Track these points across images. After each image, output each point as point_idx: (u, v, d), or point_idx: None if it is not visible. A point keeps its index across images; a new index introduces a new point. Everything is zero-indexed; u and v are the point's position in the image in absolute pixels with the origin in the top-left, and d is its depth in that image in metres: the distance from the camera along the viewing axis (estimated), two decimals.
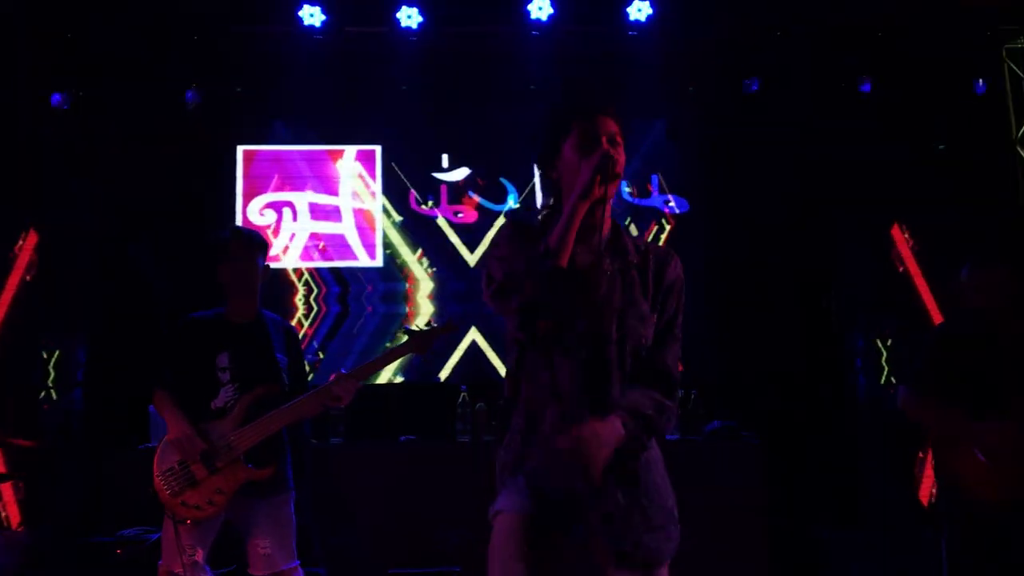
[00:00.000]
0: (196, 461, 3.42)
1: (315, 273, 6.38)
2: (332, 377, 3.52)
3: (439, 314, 6.34)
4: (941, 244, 5.94)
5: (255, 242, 3.71)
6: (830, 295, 6.30)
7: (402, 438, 5.33)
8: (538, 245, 2.17)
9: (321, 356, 6.24)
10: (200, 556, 3.44)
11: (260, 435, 3.47)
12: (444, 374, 6.28)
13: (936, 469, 3.53)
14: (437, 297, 6.40)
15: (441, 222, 6.46)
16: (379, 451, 5.23)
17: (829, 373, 6.19)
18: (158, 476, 3.45)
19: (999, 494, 3.32)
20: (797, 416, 5.92)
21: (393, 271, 6.40)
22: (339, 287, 6.38)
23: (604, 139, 2.25)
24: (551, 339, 2.21)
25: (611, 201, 2.31)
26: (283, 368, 3.66)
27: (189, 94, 5.95)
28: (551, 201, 2.36)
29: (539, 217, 2.39)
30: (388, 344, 6.27)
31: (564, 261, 2.14)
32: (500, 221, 6.46)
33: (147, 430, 5.07)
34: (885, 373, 5.98)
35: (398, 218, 6.45)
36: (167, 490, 3.42)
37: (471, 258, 6.45)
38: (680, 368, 2.47)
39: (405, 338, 3.62)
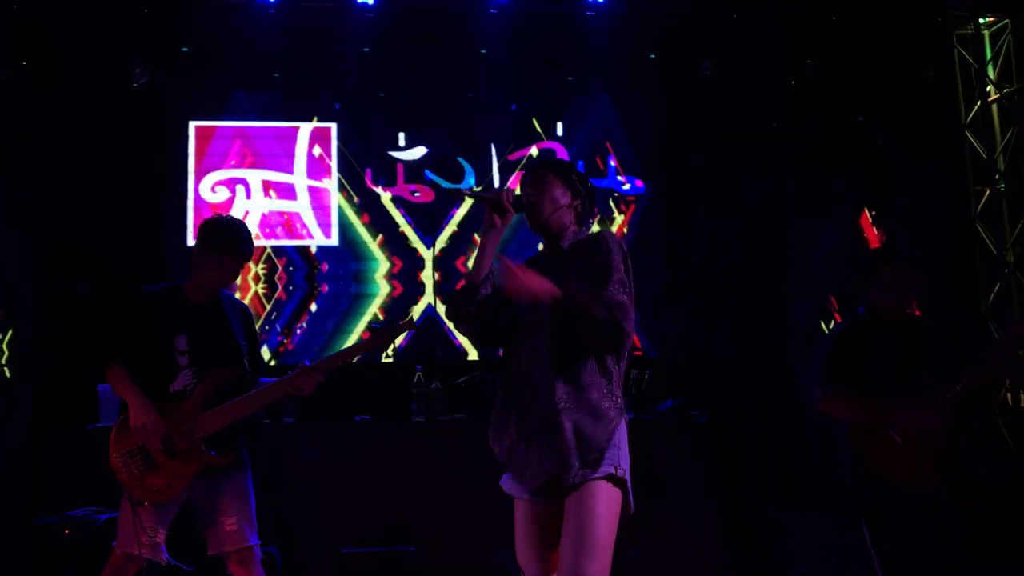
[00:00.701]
0: (156, 444, 3.34)
1: (278, 251, 6.32)
2: (297, 368, 3.49)
3: (395, 295, 6.32)
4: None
5: (248, 255, 3.62)
6: (782, 278, 6.40)
7: (357, 418, 5.32)
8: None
9: (284, 341, 6.20)
10: (161, 536, 3.40)
11: (223, 422, 3.43)
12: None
13: (854, 459, 3.67)
14: (391, 276, 6.37)
15: (386, 200, 6.43)
16: (333, 431, 5.22)
17: (779, 354, 6.29)
18: (116, 457, 3.38)
19: (917, 474, 3.52)
20: (747, 396, 6.03)
21: (350, 250, 6.36)
22: (306, 265, 6.33)
23: (531, 182, 2.94)
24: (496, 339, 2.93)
25: (562, 225, 2.93)
26: (243, 353, 3.60)
27: (137, 69, 5.84)
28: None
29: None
30: (350, 333, 6.26)
31: (478, 279, 2.84)
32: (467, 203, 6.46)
33: (96, 410, 5.00)
34: None
35: (355, 197, 6.41)
36: (125, 472, 3.37)
37: (423, 238, 6.43)
38: (638, 344, 2.83)
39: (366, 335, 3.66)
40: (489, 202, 2.82)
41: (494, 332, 2.89)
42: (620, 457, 2.73)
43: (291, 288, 6.29)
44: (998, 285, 6.01)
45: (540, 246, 3.09)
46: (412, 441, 5.10)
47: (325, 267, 6.34)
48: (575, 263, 2.82)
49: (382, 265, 6.38)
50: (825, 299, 6.34)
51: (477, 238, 3.14)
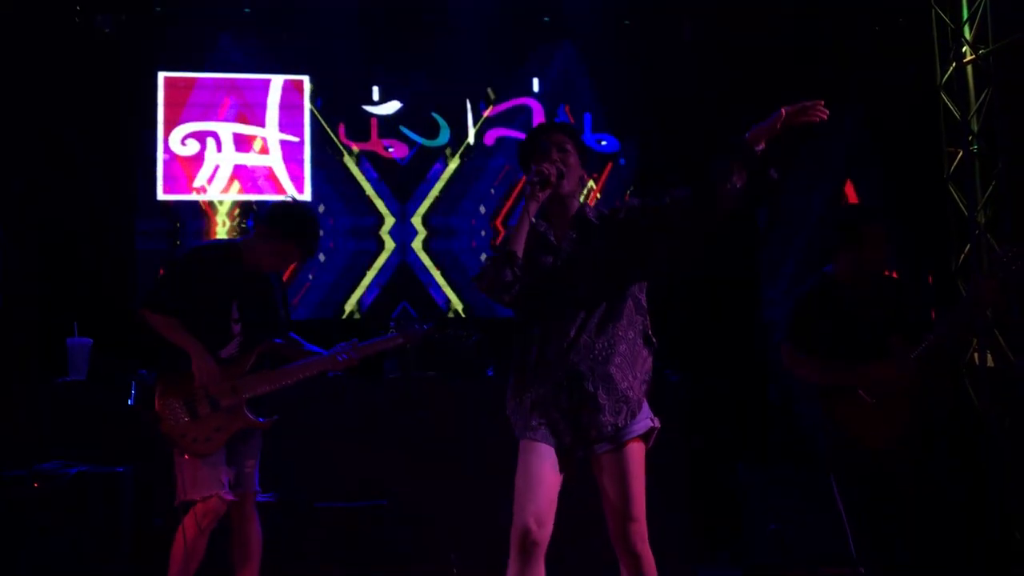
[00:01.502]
0: (203, 397, 3.45)
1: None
2: (348, 345, 3.64)
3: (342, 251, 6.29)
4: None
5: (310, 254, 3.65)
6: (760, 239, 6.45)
7: (330, 374, 5.28)
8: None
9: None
10: (232, 475, 3.55)
11: (269, 387, 3.57)
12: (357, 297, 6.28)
13: (823, 419, 3.70)
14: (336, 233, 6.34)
15: (353, 160, 6.37)
16: (306, 387, 5.15)
17: (750, 312, 6.34)
18: (162, 404, 3.47)
19: (886, 432, 3.56)
20: (720, 354, 6.07)
21: (343, 205, 6.31)
22: None
23: (553, 149, 2.88)
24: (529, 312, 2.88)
25: (573, 193, 2.95)
26: (282, 322, 3.70)
27: (100, 17, 5.69)
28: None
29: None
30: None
31: (518, 249, 2.78)
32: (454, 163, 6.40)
33: (64, 363, 4.93)
34: None
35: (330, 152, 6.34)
36: (171, 420, 3.45)
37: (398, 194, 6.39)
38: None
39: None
40: (540, 183, 2.81)
41: (528, 298, 2.87)
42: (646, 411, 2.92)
43: None
44: (968, 246, 6.05)
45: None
46: (386, 397, 5.09)
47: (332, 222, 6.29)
48: (615, 232, 2.90)
49: (386, 221, 6.34)
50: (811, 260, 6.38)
51: None
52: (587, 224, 2.93)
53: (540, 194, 2.81)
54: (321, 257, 6.24)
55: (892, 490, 3.60)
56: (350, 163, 6.34)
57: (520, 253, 2.78)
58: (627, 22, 6.41)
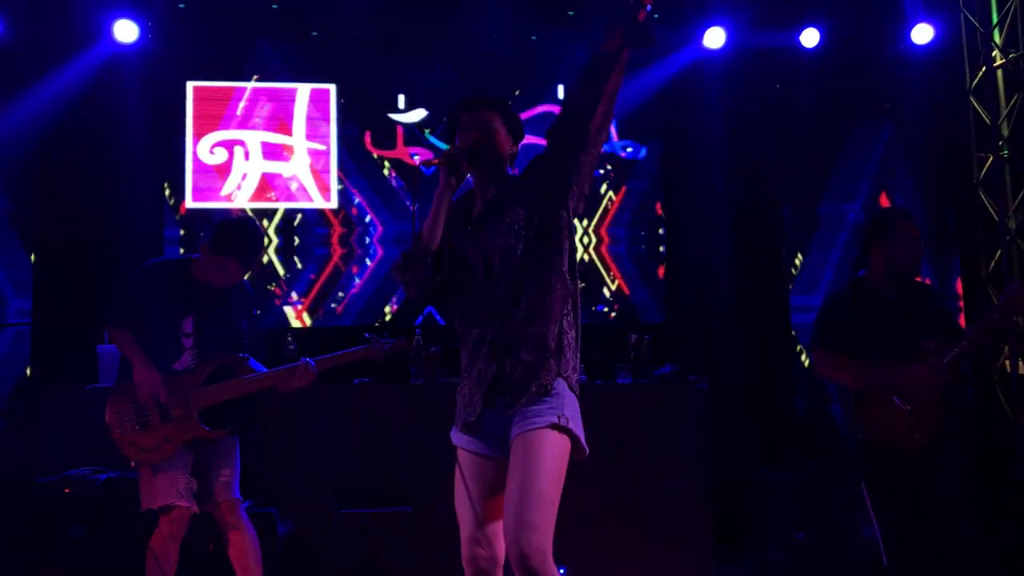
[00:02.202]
0: (153, 406, 3.51)
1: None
2: (300, 362, 3.66)
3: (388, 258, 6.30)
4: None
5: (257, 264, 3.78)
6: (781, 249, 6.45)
7: (355, 380, 5.32)
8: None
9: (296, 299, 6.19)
10: (193, 484, 3.58)
11: (219, 398, 3.59)
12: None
13: (855, 422, 3.65)
14: (384, 241, 6.35)
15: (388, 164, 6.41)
16: (332, 393, 5.22)
17: (778, 320, 6.32)
18: (112, 414, 3.55)
19: (919, 438, 3.51)
20: (747, 361, 6.05)
21: (346, 213, 6.35)
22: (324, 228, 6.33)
23: (474, 127, 2.69)
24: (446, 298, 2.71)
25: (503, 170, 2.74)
26: (244, 334, 3.74)
27: (139, 30, 5.78)
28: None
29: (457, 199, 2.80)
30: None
31: (434, 244, 2.59)
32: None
33: (95, 370, 5.00)
34: None
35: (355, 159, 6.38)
36: (119, 429, 3.54)
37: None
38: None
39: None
40: (447, 165, 2.62)
41: (446, 291, 2.69)
42: (564, 405, 2.57)
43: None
44: (999, 252, 5.98)
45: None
46: (411, 403, 5.10)
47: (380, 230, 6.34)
48: (527, 184, 2.70)
49: (374, 229, 6.38)
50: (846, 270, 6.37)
51: None
52: (514, 183, 2.74)
53: (450, 179, 2.62)
54: (368, 263, 6.30)
55: (924, 497, 3.54)
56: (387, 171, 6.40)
57: (433, 248, 2.58)
58: (655, 14, 6.39)
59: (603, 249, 6.51)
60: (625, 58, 2.53)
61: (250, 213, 6.16)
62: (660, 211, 6.54)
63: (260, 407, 4.72)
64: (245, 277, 3.77)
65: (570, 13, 6.43)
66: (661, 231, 6.53)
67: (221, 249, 3.55)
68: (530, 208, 2.62)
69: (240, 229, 3.63)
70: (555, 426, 2.51)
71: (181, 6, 6.04)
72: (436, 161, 2.63)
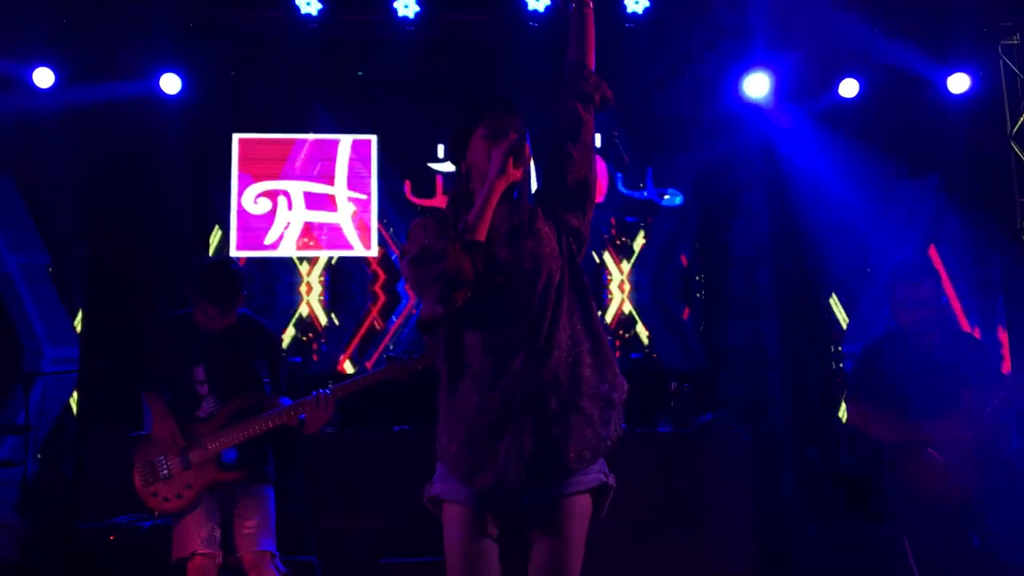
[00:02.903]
0: (175, 455, 3.53)
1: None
2: (312, 395, 3.55)
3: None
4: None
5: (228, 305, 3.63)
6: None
7: (395, 428, 5.33)
8: (456, 225, 2.28)
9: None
10: (217, 533, 3.53)
11: (235, 439, 3.56)
12: None
13: (891, 475, 3.60)
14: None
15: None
16: (372, 441, 5.24)
17: (825, 370, 6.26)
18: (136, 467, 3.59)
19: (955, 491, 3.42)
20: (790, 411, 5.97)
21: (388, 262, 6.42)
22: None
23: (511, 130, 2.39)
24: (470, 313, 2.26)
25: (524, 188, 2.45)
26: (263, 375, 3.73)
27: (181, 81, 5.94)
28: (460, 188, 2.48)
29: (447, 204, 2.52)
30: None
31: (482, 236, 2.24)
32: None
33: (140, 417, 5.06)
34: None
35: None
36: (140, 481, 3.57)
37: None
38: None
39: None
40: (514, 147, 2.33)
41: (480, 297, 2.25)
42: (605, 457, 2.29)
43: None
44: None
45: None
46: None
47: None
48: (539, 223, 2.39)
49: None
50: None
51: None
52: (532, 208, 2.43)
53: (513, 171, 2.31)
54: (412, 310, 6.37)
55: (963, 549, 3.46)
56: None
57: (479, 232, 2.24)
58: (686, 77, 6.46)
59: (633, 295, 6.51)
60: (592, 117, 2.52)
61: (295, 260, 6.26)
62: (685, 262, 6.54)
63: (301, 453, 4.75)
64: (231, 318, 3.65)
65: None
66: (699, 278, 6.51)
67: (195, 295, 3.58)
68: (560, 238, 2.37)
69: (207, 272, 3.62)
70: (595, 489, 2.25)
71: (229, 66, 6.19)
72: (515, 147, 2.32)
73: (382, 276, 6.40)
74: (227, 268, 3.67)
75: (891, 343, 3.70)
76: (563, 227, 2.40)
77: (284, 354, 3.90)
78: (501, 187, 2.29)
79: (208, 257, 3.98)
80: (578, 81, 2.51)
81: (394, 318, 6.36)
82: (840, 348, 6.39)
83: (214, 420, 3.58)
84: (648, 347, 6.48)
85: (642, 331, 6.49)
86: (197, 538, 3.48)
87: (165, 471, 3.54)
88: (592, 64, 2.54)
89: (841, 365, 6.35)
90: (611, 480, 2.27)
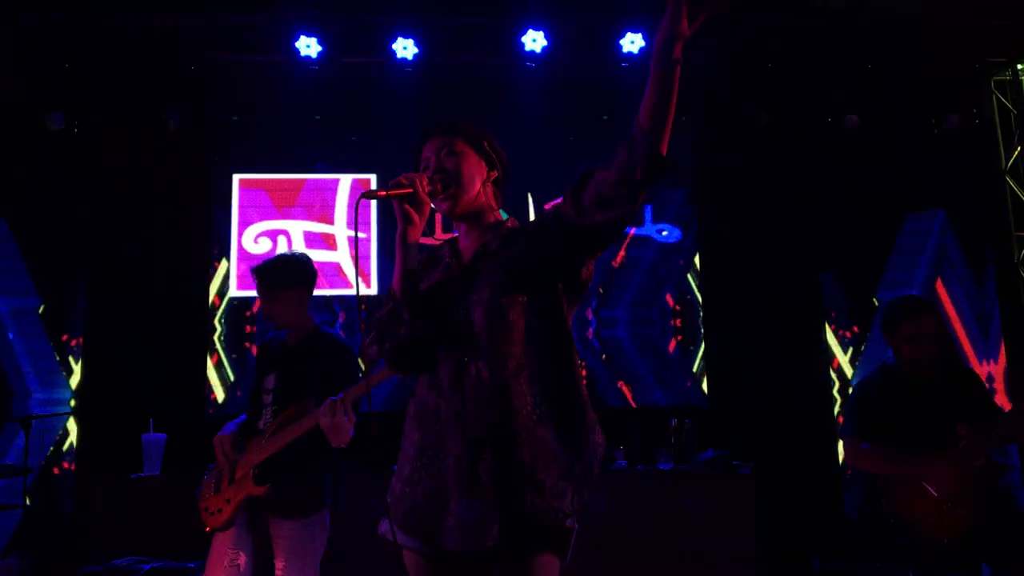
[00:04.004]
0: (226, 469, 3.50)
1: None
2: (327, 400, 3.36)
3: None
4: None
5: (271, 276, 3.61)
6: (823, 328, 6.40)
7: (395, 467, 5.29)
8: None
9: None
10: (242, 560, 3.42)
11: (268, 451, 3.41)
12: None
13: (888, 508, 3.56)
14: None
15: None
16: (371, 481, 5.19)
17: (821, 404, 6.25)
18: (205, 480, 3.60)
19: (953, 526, 3.40)
20: (791, 447, 5.96)
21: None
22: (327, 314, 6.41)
23: (434, 159, 2.28)
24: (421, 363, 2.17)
25: (478, 202, 2.29)
26: (329, 388, 3.50)
27: (176, 120, 6.01)
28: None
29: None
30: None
31: (404, 296, 2.14)
32: None
33: (139, 460, 5.05)
34: None
35: None
36: (202, 494, 3.56)
37: None
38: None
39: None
40: (400, 197, 2.16)
41: (421, 347, 2.14)
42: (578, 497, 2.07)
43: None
44: None
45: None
46: None
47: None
48: (524, 246, 2.19)
49: None
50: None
51: None
52: (508, 234, 2.25)
53: (411, 215, 2.15)
54: None
55: None
56: None
57: (397, 288, 2.14)
58: (683, 118, 6.53)
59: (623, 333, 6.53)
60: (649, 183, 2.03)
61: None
62: (671, 302, 6.56)
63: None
64: (302, 310, 3.62)
65: (604, 117, 6.57)
66: (701, 314, 6.53)
67: (263, 283, 3.58)
68: (536, 277, 2.15)
69: (274, 259, 3.66)
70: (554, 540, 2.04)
71: (231, 110, 6.27)
72: (381, 193, 2.13)
73: None
74: (291, 257, 3.71)
75: (888, 379, 3.67)
76: (550, 268, 2.17)
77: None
78: (404, 238, 2.16)
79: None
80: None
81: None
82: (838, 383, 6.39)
83: (265, 432, 3.46)
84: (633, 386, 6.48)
85: (637, 367, 6.49)
86: (220, 567, 3.39)
87: (218, 484, 3.52)
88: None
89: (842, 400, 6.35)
90: (569, 522, 2.02)
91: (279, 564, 3.43)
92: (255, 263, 3.72)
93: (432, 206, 2.22)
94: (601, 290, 6.57)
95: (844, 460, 3.69)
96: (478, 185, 2.29)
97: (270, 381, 3.59)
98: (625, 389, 6.45)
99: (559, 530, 2.01)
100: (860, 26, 5.85)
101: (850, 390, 6.04)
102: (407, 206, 2.15)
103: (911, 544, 3.53)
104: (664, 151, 2.00)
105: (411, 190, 2.15)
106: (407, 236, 2.16)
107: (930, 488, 3.45)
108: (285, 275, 3.62)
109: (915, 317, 3.58)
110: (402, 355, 2.14)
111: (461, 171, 2.26)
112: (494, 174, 2.34)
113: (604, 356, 6.47)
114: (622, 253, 6.58)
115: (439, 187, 2.22)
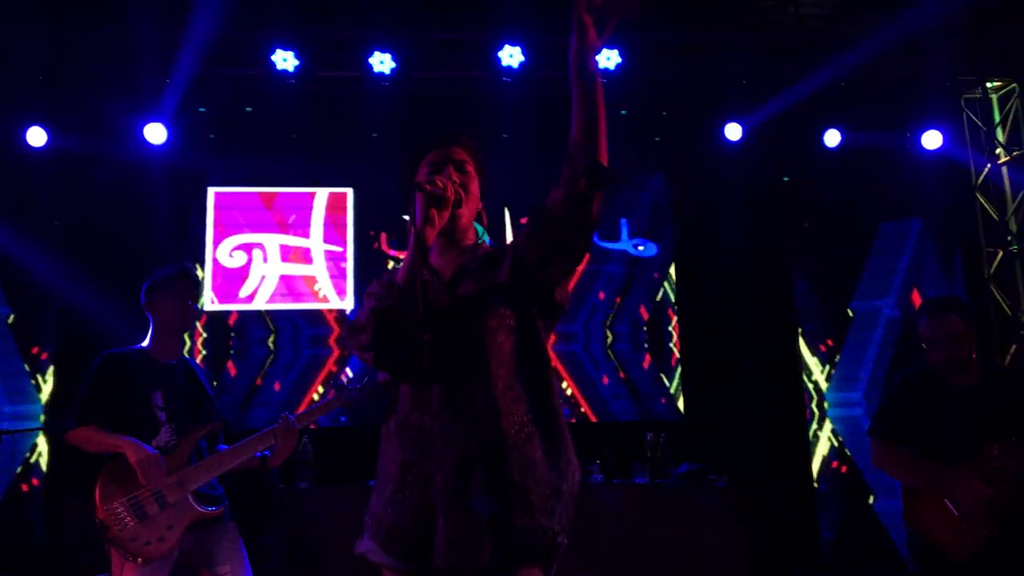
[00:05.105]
0: (148, 495, 3.26)
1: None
2: (278, 421, 3.44)
3: None
4: None
5: (199, 284, 3.67)
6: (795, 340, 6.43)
7: (371, 482, 5.27)
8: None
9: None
10: None
11: (212, 473, 3.39)
12: None
13: (907, 518, 3.48)
14: None
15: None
16: (346, 496, 5.18)
17: (793, 417, 6.29)
18: (104, 510, 3.27)
19: (968, 547, 3.28)
20: (763, 458, 5.98)
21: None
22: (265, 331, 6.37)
23: (450, 167, 2.26)
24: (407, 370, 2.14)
25: (468, 230, 2.31)
26: (215, 408, 3.60)
27: (157, 134, 5.98)
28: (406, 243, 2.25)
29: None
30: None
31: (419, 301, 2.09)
32: None
33: None
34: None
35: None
36: (117, 526, 3.25)
37: None
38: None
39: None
40: (435, 198, 2.16)
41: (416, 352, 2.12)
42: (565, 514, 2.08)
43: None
44: (1014, 347, 5.98)
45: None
46: None
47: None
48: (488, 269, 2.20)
49: None
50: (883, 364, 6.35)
51: None
52: (486, 257, 2.25)
53: (433, 215, 2.13)
54: None
55: None
56: None
57: (402, 282, 2.11)
58: (657, 139, 6.60)
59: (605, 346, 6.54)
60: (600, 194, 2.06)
61: (267, 315, 6.25)
62: (646, 314, 6.58)
63: (279, 509, 4.68)
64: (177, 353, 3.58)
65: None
66: (673, 327, 6.55)
67: (186, 292, 3.53)
68: (516, 299, 2.15)
69: (189, 270, 3.62)
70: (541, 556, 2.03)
71: (204, 116, 6.24)
72: (427, 187, 2.14)
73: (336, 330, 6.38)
74: (189, 271, 3.64)
75: (921, 381, 3.52)
76: (532, 286, 2.16)
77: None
78: (427, 240, 2.12)
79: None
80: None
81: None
82: (817, 397, 6.43)
83: (178, 452, 3.35)
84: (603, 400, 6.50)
85: (618, 380, 6.50)
86: None
87: (142, 512, 3.26)
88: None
89: (814, 409, 6.38)
90: (560, 539, 2.04)
91: (223, 568, 3.38)
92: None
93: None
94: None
95: (873, 461, 3.57)
96: (475, 208, 2.32)
97: (158, 398, 3.43)
98: (598, 404, 6.46)
99: (549, 547, 2.02)
100: (833, 44, 5.92)
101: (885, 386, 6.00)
102: (433, 209, 2.14)
103: (926, 557, 3.43)
104: (604, 160, 2.04)
105: (443, 193, 2.15)
106: (427, 238, 2.12)
107: (951, 506, 3.34)
108: (200, 288, 3.64)
109: (935, 317, 3.45)
110: (415, 363, 2.10)
111: (470, 190, 2.28)
112: (480, 206, 2.35)
113: (586, 370, 6.48)
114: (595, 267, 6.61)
115: (458, 198, 2.21)
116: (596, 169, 2.03)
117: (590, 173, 2.02)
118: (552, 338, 2.23)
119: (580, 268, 2.17)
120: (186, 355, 3.70)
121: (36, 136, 5.89)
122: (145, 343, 3.56)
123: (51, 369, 5.96)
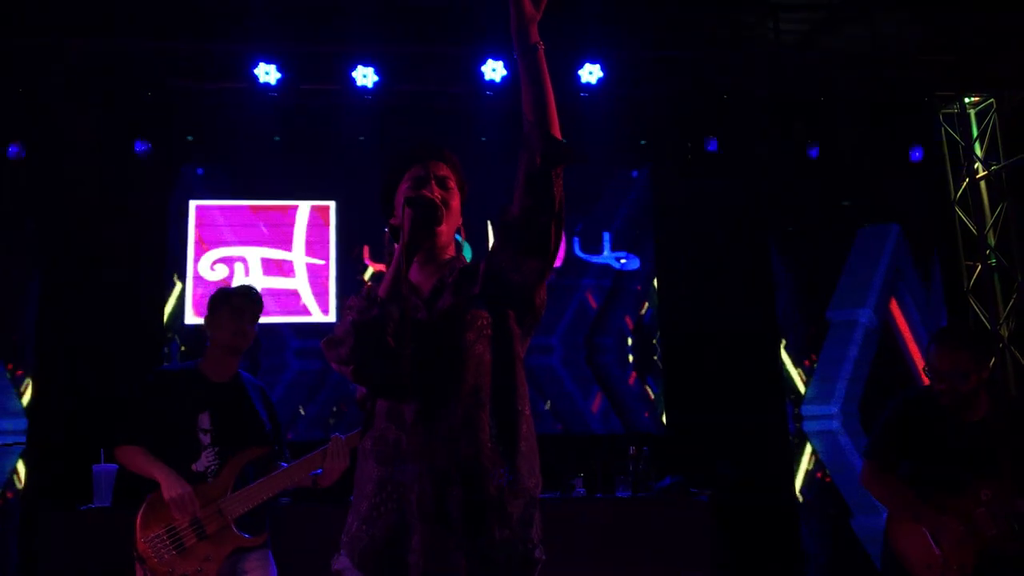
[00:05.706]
0: (187, 526, 3.24)
1: None
2: (329, 443, 3.39)
3: None
4: None
5: (259, 305, 3.58)
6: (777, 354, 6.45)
7: (351, 498, 5.24)
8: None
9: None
10: None
11: (254, 502, 3.33)
12: None
13: (887, 536, 3.45)
14: None
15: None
16: (327, 514, 5.14)
17: (776, 431, 6.30)
18: (144, 543, 3.22)
19: None
20: (744, 472, 5.99)
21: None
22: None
23: (433, 182, 2.24)
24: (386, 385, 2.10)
25: (448, 246, 2.29)
26: (267, 430, 3.50)
27: (139, 146, 5.95)
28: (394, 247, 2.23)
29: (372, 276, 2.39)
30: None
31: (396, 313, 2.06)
32: None
33: (90, 491, 4.94)
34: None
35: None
36: (155, 558, 3.21)
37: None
38: None
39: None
40: (429, 210, 2.18)
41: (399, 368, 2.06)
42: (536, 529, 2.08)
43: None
44: (992, 360, 6.02)
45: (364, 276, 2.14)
46: None
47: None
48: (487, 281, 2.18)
49: None
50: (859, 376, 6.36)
51: None
52: (463, 271, 2.23)
53: (423, 237, 2.15)
54: None
55: None
56: None
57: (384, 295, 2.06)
58: (643, 142, 6.61)
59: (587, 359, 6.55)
60: (560, 171, 2.08)
61: None
62: (631, 324, 6.58)
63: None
64: (233, 370, 3.53)
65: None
66: (655, 341, 6.55)
67: (245, 311, 3.46)
68: (493, 311, 2.15)
69: (251, 289, 3.55)
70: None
71: (188, 135, 6.22)
72: (422, 201, 2.16)
73: None
74: (240, 289, 3.59)
75: (924, 409, 3.42)
76: (506, 297, 2.16)
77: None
78: (411, 255, 2.13)
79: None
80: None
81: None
82: (799, 409, 6.44)
83: (220, 479, 3.30)
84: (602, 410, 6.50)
85: (596, 394, 6.51)
86: None
87: (179, 544, 3.21)
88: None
89: (800, 426, 6.39)
90: (537, 552, 2.04)
91: None
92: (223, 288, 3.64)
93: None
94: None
95: (861, 482, 3.52)
96: (456, 224, 2.31)
97: (204, 420, 3.37)
98: (578, 418, 6.46)
99: (527, 561, 2.02)
100: (809, 60, 5.97)
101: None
102: (423, 224, 2.16)
103: None
104: (558, 134, 2.08)
105: (434, 207, 2.18)
106: (413, 251, 2.15)
107: (933, 543, 3.30)
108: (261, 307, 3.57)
109: (943, 348, 3.33)
110: (396, 378, 2.05)
111: (451, 206, 2.27)
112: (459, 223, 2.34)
113: (564, 383, 6.48)
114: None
115: (441, 215, 2.22)
116: (551, 143, 2.06)
117: (545, 148, 2.05)
118: (525, 349, 2.22)
119: (555, 265, 2.14)
120: (245, 372, 3.63)
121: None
122: (200, 360, 3.54)
123: (27, 384, 5.90)
